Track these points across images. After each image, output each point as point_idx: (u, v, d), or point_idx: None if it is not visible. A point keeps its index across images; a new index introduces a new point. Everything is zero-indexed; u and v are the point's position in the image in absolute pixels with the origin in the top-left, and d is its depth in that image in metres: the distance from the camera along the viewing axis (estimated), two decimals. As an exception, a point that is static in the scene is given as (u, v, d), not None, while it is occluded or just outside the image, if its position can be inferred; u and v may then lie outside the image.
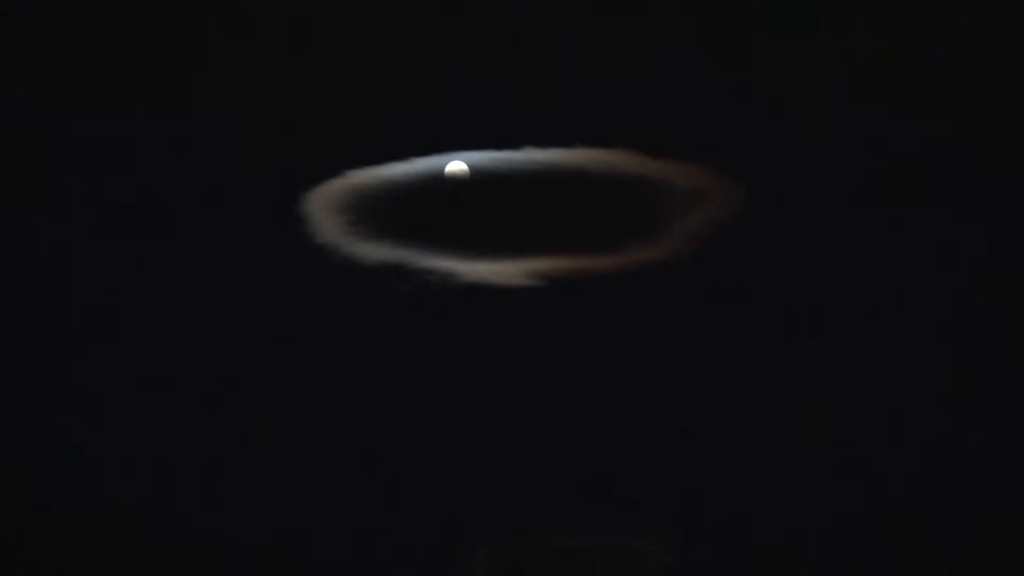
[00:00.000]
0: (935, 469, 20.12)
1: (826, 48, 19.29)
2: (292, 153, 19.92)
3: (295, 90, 18.42)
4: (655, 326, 20.53)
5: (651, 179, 18.84)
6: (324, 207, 20.01)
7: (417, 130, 19.35)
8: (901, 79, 20.96)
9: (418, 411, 20.18)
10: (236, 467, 20.22)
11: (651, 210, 19.06)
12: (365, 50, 18.73)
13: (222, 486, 20.58)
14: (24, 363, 20.34)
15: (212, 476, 20.24)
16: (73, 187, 20.72)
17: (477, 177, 19.50)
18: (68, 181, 21.05)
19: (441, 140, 19.78)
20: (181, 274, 19.66)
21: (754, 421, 19.96)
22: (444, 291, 20.49)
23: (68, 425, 19.51)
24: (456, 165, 19.56)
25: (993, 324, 22.52)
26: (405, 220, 20.06)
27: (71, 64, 20.87)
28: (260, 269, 20.24)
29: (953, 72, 20.42)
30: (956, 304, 21.34)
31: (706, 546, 20.06)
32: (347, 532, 20.30)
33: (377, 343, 20.92)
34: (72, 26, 19.65)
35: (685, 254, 19.75)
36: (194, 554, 18.77)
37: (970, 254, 21.15)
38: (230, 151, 19.14)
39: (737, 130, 19.12)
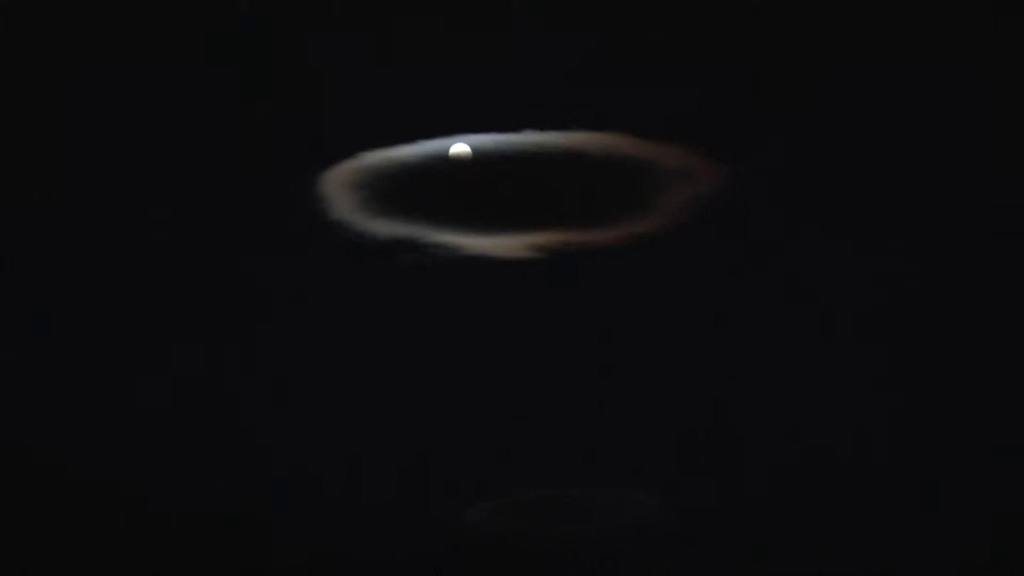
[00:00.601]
0: (913, 427, 20.65)
1: (804, 36, 19.69)
2: (310, 136, 20.35)
3: (313, 78, 18.85)
4: (646, 294, 20.98)
5: (641, 159, 19.27)
6: (339, 186, 20.42)
7: (424, 115, 19.72)
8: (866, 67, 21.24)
9: (425, 373, 20.63)
10: (257, 428, 20.64)
11: (641, 188, 19.51)
12: (377, 42, 19.16)
13: (246, 444, 21.04)
14: (80, 336, 20.77)
15: (239, 435, 20.69)
16: (102, 165, 21.05)
17: (480, 158, 19.92)
18: (98, 159, 21.35)
19: (446, 124, 20.16)
20: (206, 246, 20.07)
21: (736, 381, 20.45)
22: (450, 263, 20.94)
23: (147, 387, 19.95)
24: (460, 147, 19.95)
25: (961, 303, 22.95)
26: (414, 198, 20.49)
27: (99, 43, 21.04)
28: (280, 243, 20.67)
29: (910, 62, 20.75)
30: (928, 278, 21.79)
31: (692, 495, 20.56)
32: (357, 485, 20.75)
33: (387, 311, 21.34)
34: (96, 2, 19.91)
35: (673, 228, 20.21)
36: (223, 506, 19.11)
37: (942, 233, 21.56)
38: (253, 133, 19.58)
39: (720, 114, 19.55)
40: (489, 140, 20.58)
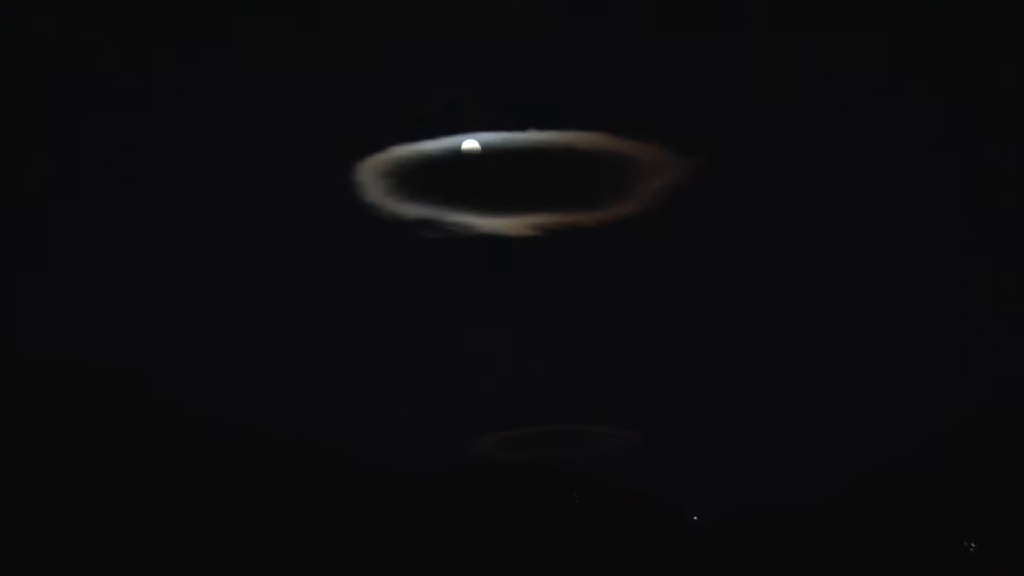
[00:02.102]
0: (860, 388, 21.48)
1: (764, 47, 20.20)
2: (347, 131, 20.98)
3: (352, 83, 19.43)
4: (627, 267, 21.69)
5: (623, 154, 19.86)
6: (371, 173, 20.95)
7: (443, 115, 20.35)
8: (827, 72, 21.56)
9: (444, 330, 21.31)
10: (303, 370, 21.27)
11: (623, 178, 20.10)
12: (406, 55, 19.69)
13: (289, 391, 21.74)
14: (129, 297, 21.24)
15: (282, 382, 21.37)
16: (171, 150, 21.52)
17: (489, 152, 20.46)
18: (165, 143, 21.77)
19: (461, 123, 20.82)
20: (259, 225, 20.68)
21: (699, 337, 21.15)
22: (464, 239, 21.51)
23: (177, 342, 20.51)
24: (472, 142, 20.45)
25: (898, 284, 23.64)
26: (434, 184, 21.08)
27: (143, 29, 21.27)
28: (322, 221, 21.29)
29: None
30: (869, 259, 22.44)
31: (664, 429, 21.27)
32: (385, 423, 21.45)
33: (412, 279, 21.99)
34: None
35: (649, 211, 20.82)
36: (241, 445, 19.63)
37: (890, 215, 22.16)
38: (301, 130, 20.18)
39: (689, 117, 20.13)
40: (497, 137, 21.22)
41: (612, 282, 19.96)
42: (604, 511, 24.39)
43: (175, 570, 17.84)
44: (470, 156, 20.41)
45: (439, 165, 20.81)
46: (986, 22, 17.16)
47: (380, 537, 19.59)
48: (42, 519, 16.24)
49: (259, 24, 19.58)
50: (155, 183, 19.74)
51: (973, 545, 21.42)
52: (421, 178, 20.82)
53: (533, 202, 19.79)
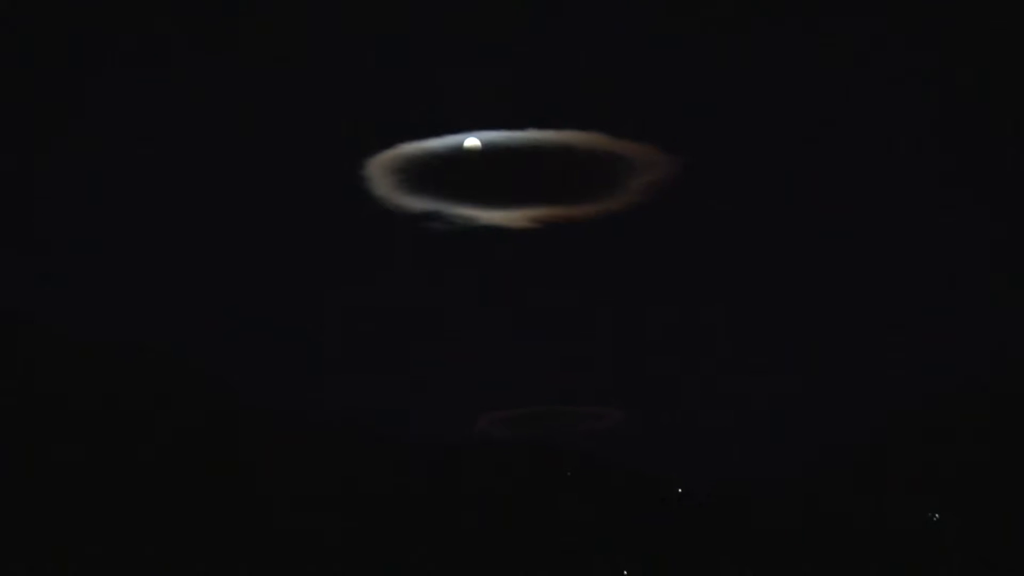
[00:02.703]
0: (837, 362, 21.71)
1: (743, 50, 20.64)
2: (359, 130, 21.31)
3: (363, 86, 19.78)
4: (616, 255, 22.03)
5: (615, 153, 20.15)
6: (381, 169, 21.13)
7: (446, 115, 20.64)
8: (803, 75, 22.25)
9: (446, 315, 21.58)
10: (317, 349, 21.37)
11: (614, 174, 20.39)
12: (413, 59, 19.98)
13: (312, 365, 21.83)
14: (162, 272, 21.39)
15: (301, 356, 21.43)
16: (203, 145, 21.81)
17: (490, 149, 20.59)
18: (203, 140, 22.08)
19: (464, 122, 21.08)
20: (276, 216, 20.98)
21: (687, 323, 21.43)
22: (467, 230, 21.68)
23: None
24: (474, 141, 20.52)
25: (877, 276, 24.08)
26: (438, 180, 21.25)
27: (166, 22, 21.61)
28: (334, 213, 21.60)
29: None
30: (845, 249, 22.84)
31: (648, 410, 21.55)
32: (391, 402, 21.60)
33: (418, 266, 22.24)
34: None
35: (637, 205, 21.16)
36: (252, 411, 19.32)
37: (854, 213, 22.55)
38: (315, 129, 20.58)
39: (675, 120, 20.53)
40: (498, 136, 21.43)
41: (604, 271, 20.44)
42: (595, 484, 24.33)
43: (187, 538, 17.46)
44: (472, 153, 20.72)
45: (443, 162, 21.08)
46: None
47: (391, 504, 19.54)
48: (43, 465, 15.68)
49: (279, 31, 19.79)
50: (182, 174, 20.02)
51: (936, 515, 21.55)
52: (426, 173, 21.09)
53: (531, 196, 20.18)
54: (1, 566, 14.98)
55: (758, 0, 18.97)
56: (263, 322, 20.05)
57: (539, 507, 21.86)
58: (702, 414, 20.22)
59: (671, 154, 19.14)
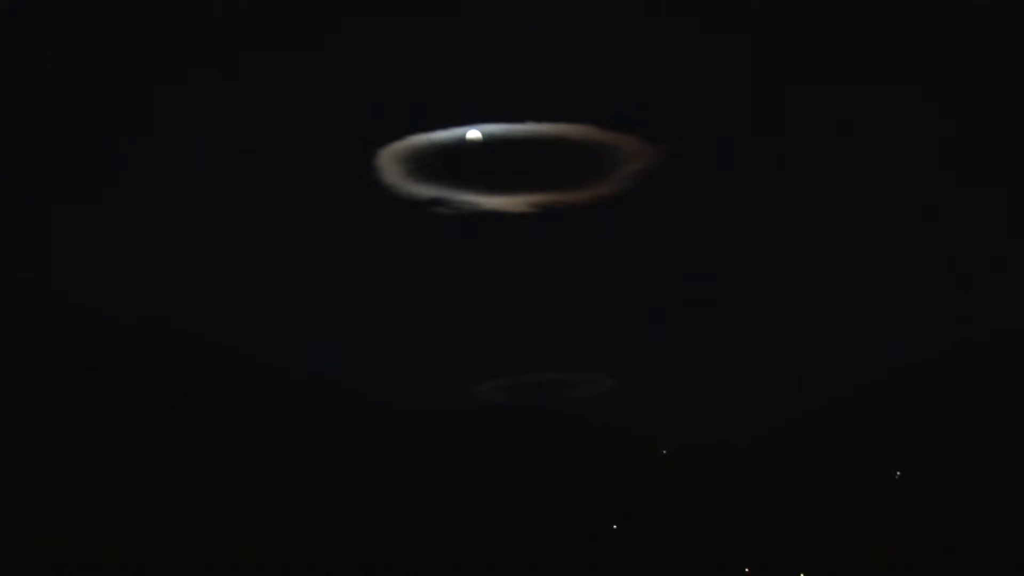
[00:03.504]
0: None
1: (727, 52, 22.95)
2: (370, 122, 23.66)
3: (373, 82, 21.40)
4: (607, 236, 24.27)
5: (606, 144, 21.86)
6: (391, 158, 22.99)
7: (450, 109, 22.91)
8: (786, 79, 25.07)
9: (452, 292, 23.47)
10: (332, 323, 23.11)
11: (606, 163, 22.27)
12: (421, 58, 21.68)
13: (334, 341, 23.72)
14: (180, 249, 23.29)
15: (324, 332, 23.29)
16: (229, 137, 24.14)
17: (492, 140, 22.27)
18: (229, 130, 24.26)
19: (467, 116, 23.36)
20: (294, 203, 22.92)
21: (670, 297, 23.47)
22: (471, 215, 24.02)
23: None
24: (476, 132, 22.41)
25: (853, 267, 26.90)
26: (444, 168, 23.21)
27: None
28: (348, 199, 23.80)
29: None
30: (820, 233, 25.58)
31: (635, 375, 22.74)
32: (400, 369, 23.38)
33: (426, 248, 24.40)
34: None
35: (627, 191, 23.41)
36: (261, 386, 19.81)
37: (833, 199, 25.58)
38: (329, 122, 22.57)
39: (661, 113, 23.03)
40: (498, 128, 23.48)
41: (597, 251, 21.29)
42: (587, 447, 24.81)
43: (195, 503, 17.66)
44: (475, 145, 21.36)
45: (448, 152, 21.72)
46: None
47: (398, 466, 19.97)
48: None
49: (296, 34, 20.65)
50: (207, 164, 20.89)
51: (899, 473, 21.90)
52: (433, 162, 21.75)
53: (529, 184, 20.83)
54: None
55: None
56: (285, 297, 20.69)
57: (534, 467, 22.37)
58: (686, 381, 20.93)
59: (656, 144, 20.04)
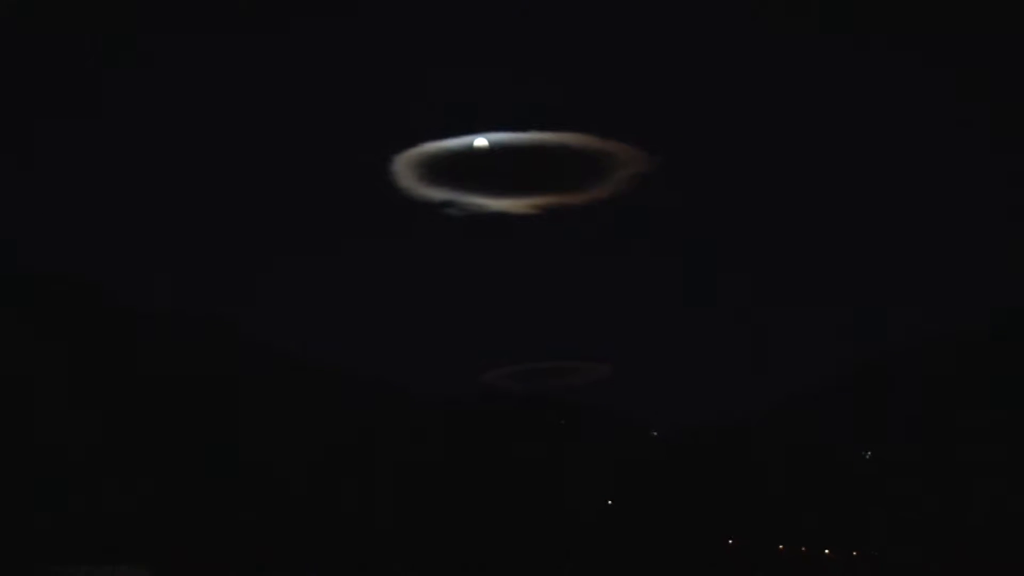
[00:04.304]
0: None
1: (710, 75, 20.77)
2: (388, 131, 21.53)
3: (390, 95, 20.04)
4: (602, 235, 22.34)
5: (602, 151, 20.52)
6: (406, 164, 21.46)
7: (460, 120, 20.89)
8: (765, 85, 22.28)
9: (461, 286, 21.87)
10: (351, 314, 21.51)
11: (602, 168, 20.79)
12: (436, 73, 20.23)
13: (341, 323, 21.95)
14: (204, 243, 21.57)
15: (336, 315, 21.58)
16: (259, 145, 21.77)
17: (498, 148, 20.90)
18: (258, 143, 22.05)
19: (476, 125, 21.34)
20: (318, 205, 21.16)
21: (661, 292, 21.74)
22: (479, 216, 22.12)
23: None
24: (482, 140, 20.86)
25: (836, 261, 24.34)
26: (454, 173, 21.63)
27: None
28: (366, 201, 21.83)
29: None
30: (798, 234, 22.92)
31: (628, 363, 21.77)
32: (415, 354, 21.87)
33: (437, 246, 22.54)
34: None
35: (621, 194, 21.53)
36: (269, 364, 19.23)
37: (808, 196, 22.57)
38: (350, 130, 20.80)
39: (654, 124, 20.84)
40: (504, 136, 21.67)
41: (594, 249, 21.03)
42: (584, 428, 24.91)
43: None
44: (482, 152, 21.21)
45: (458, 158, 21.52)
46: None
47: (410, 449, 19.91)
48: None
49: (321, 49, 20.15)
50: (240, 167, 20.47)
51: (869, 453, 21.99)
52: (444, 167, 21.51)
53: (533, 187, 20.60)
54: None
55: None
56: (307, 291, 20.65)
57: (536, 448, 22.37)
58: (676, 370, 20.95)
59: (649, 152, 20.01)
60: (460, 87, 20.14)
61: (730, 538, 21.83)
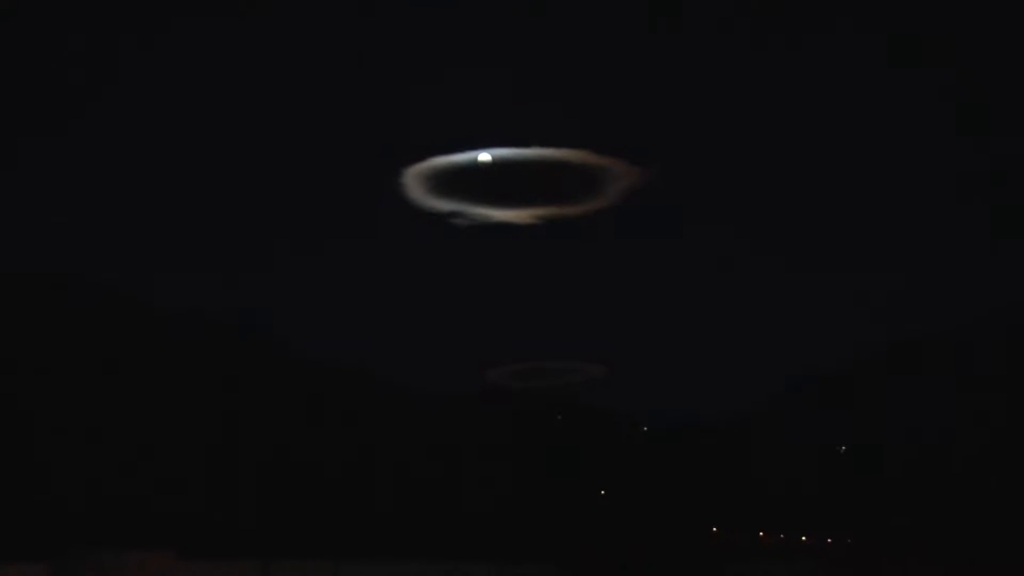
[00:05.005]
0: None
1: (695, 94, 20.97)
2: (398, 146, 21.81)
3: (400, 114, 20.29)
4: (600, 244, 22.64)
5: (600, 166, 20.77)
6: (415, 176, 21.70)
7: (466, 135, 21.24)
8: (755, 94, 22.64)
9: (466, 291, 22.15)
10: (367, 317, 21.79)
11: (599, 182, 21.03)
12: (443, 92, 20.50)
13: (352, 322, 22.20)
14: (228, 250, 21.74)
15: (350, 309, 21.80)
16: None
17: (501, 162, 21.14)
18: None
19: (479, 141, 21.68)
20: (333, 216, 21.41)
21: (650, 295, 22.09)
22: (484, 226, 22.38)
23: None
24: (486, 155, 21.13)
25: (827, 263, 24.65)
26: (461, 185, 21.92)
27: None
28: (378, 213, 22.12)
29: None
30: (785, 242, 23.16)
31: (619, 363, 22.08)
32: (423, 353, 22.06)
33: (444, 254, 22.83)
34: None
35: (617, 206, 21.77)
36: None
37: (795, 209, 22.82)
38: (363, 146, 21.07)
39: (645, 142, 21.11)
40: (507, 151, 21.95)
41: (591, 256, 21.32)
42: (580, 423, 25.18)
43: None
44: (486, 166, 21.43)
45: (464, 171, 21.71)
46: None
47: (421, 439, 20.16)
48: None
49: (345, 75, 20.47)
50: (262, 179, 20.75)
51: (843, 447, 22.23)
52: (451, 180, 21.72)
53: (534, 199, 20.81)
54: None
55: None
56: (323, 295, 20.97)
57: (535, 442, 22.58)
58: (666, 370, 21.33)
59: (641, 167, 20.46)
60: (466, 107, 20.54)
61: (714, 526, 22.14)
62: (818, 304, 21.65)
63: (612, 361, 21.27)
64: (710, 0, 19.67)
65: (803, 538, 21.48)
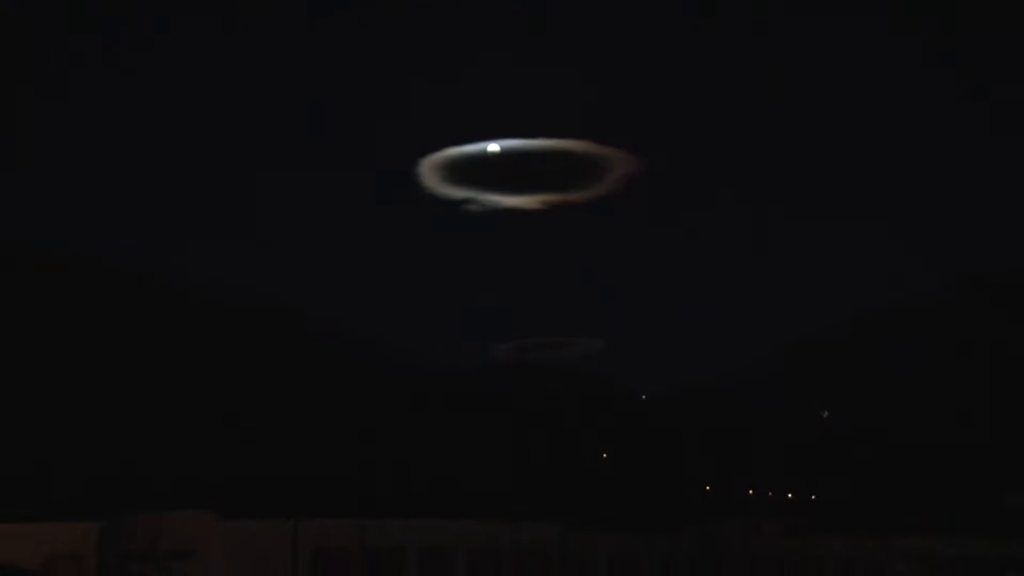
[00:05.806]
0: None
1: (692, 91, 21.61)
2: (414, 137, 22.85)
3: (415, 108, 20.90)
4: (603, 228, 23.56)
5: (602, 156, 21.47)
6: (430, 166, 22.46)
7: (476, 127, 22.36)
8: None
9: (477, 271, 22.98)
10: (386, 296, 22.54)
11: (601, 170, 21.79)
12: (452, 91, 21.09)
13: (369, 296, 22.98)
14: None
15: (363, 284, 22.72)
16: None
17: (510, 152, 21.81)
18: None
19: (489, 133, 22.25)
20: (354, 204, 22.21)
21: (650, 275, 22.82)
22: (494, 211, 23.24)
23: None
24: (495, 146, 21.91)
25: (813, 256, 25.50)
26: (473, 174, 22.69)
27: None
28: (396, 200, 22.97)
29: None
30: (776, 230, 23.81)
31: (622, 336, 22.61)
32: (432, 333, 22.92)
33: (457, 237, 23.78)
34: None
35: (617, 193, 22.62)
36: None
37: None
38: (382, 138, 21.77)
39: (643, 133, 21.93)
40: (515, 142, 22.67)
41: (593, 239, 21.78)
42: (580, 394, 25.51)
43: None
44: (495, 156, 21.70)
45: (475, 161, 22.01)
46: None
47: (427, 410, 20.42)
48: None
49: (363, 81, 20.83)
50: (280, 175, 21.10)
51: (826, 413, 22.43)
52: (463, 169, 22.05)
53: (540, 186, 21.14)
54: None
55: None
56: (346, 275, 21.38)
57: (538, 413, 22.89)
58: (661, 342, 21.65)
59: (640, 156, 20.96)
60: (476, 102, 20.98)
61: (708, 485, 22.38)
62: (804, 283, 22.04)
63: (610, 335, 21.74)
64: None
65: (789, 495, 21.72)
